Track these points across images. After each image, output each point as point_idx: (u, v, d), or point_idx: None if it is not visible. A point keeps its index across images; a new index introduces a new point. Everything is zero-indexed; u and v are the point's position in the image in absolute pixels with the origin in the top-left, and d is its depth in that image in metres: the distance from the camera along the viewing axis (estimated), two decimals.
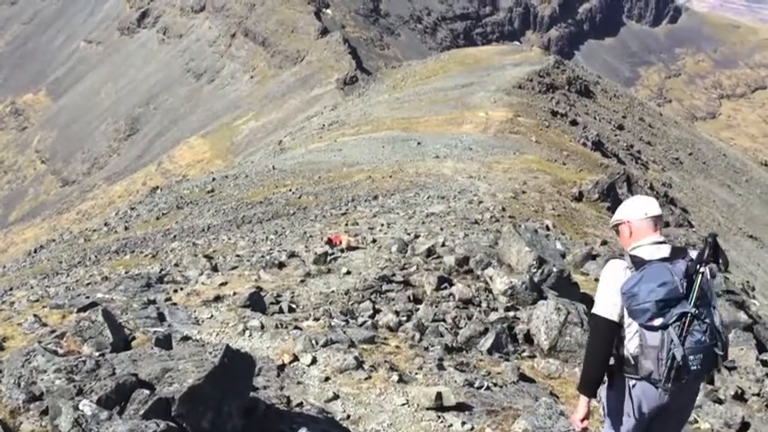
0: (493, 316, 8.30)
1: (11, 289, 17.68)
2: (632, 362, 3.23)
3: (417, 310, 8.26)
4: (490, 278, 9.24)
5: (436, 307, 8.37)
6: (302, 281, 9.54)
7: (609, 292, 3.28)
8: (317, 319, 7.55)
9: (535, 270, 9.44)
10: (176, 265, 14.30)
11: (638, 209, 3.45)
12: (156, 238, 22.12)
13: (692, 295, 3.11)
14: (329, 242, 12.00)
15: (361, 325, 7.55)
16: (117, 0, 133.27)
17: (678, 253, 3.30)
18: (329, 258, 10.87)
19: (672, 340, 3.05)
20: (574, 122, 48.34)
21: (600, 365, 3.31)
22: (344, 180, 27.71)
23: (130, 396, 3.77)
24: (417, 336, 7.24)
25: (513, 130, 40.04)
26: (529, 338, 7.83)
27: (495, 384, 6.29)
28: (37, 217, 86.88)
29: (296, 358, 6.18)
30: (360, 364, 6.10)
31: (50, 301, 8.06)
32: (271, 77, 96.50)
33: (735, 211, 50.32)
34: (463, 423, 5.30)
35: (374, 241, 12.51)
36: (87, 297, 7.96)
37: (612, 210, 25.57)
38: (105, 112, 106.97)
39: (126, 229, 25.92)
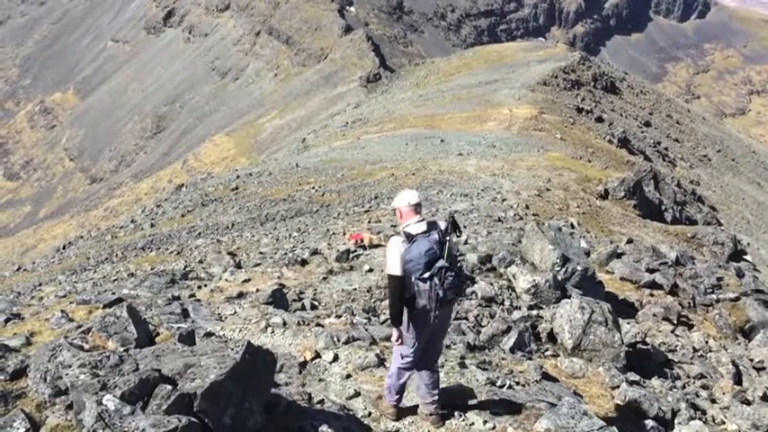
0: (516, 314, 8.24)
1: (40, 284, 17.99)
2: (413, 300, 4.85)
3: None
4: (513, 276, 9.18)
5: (458, 305, 8.33)
6: (324, 278, 9.56)
7: (394, 258, 4.85)
8: (338, 317, 7.56)
9: (559, 268, 9.36)
10: (200, 261, 14.43)
11: (403, 200, 5.02)
12: (181, 235, 22.34)
13: (444, 255, 4.81)
14: (360, 244, 11.83)
15: (383, 322, 7.55)
16: (143, 0, 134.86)
17: (432, 226, 4.93)
18: (351, 256, 10.88)
19: (436, 284, 4.76)
20: (599, 119, 47.80)
21: (399, 304, 4.92)
22: (367, 178, 27.73)
23: (153, 391, 3.80)
24: None
25: (537, 127, 39.71)
26: (552, 337, 7.75)
27: (518, 383, 6.23)
28: (65, 214, 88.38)
29: (318, 355, 6.20)
30: (381, 362, 6.09)
31: (77, 297, 8.18)
32: (294, 75, 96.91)
33: (765, 209, 49.35)
34: (485, 422, 5.27)
35: None
36: (113, 293, 8.07)
37: (639, 207, 25.36)
38: (132, 111, 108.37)
39: (152, 225, 26.21)
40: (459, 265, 5.04)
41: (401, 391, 5.24)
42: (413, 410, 5.37)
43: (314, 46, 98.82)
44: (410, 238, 4.85)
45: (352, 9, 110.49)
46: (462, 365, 6.32)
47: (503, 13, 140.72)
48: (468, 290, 8.90)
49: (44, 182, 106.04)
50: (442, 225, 4.97)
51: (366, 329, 6.85)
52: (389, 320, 5.16)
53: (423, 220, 4.99)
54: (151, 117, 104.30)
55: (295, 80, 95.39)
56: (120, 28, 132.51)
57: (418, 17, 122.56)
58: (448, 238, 4.87)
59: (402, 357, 5.11)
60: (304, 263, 10.68)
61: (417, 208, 5.02)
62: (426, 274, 4.77)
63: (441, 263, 4.77)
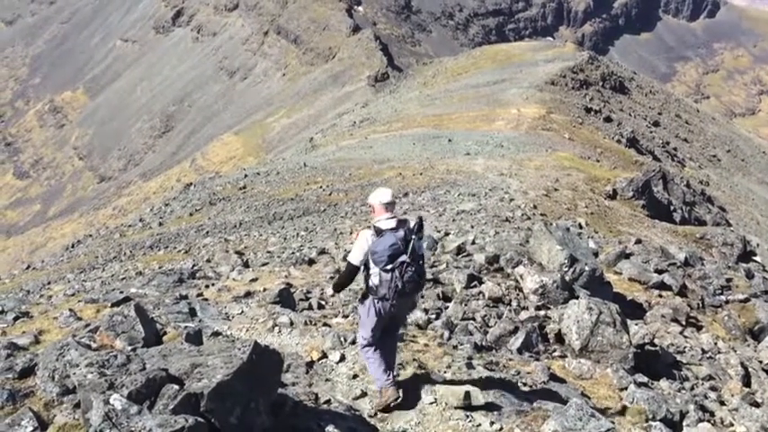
0: (523, 315, 8.21)
1: (49, 283, 18.08)
2: (375, 289, 5.27)
3: (447, 308, 8.21)
4: (521, 276, 9.14)
5: (466, 305, 8.31)
6: (332, 278, 9.56)
7: (359, 250, 5.30)
8: (345, 316, 7.56)
9: (566, 269, 9.32)
10: (208, 260, 14.47)
11: (377, 197, 5.43)
12: (189, 234, 22.41)
13: (408, 251, 5.19)
14: None
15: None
16: None
17: (401, 223, 5.32)
18: None
19: (396, 277, 5.17)
20: (608, 119, 47.64)
21: (344, 285, 5.60)
22: (375, 177, 27.73)
23: (160, 391, 3.81)
24: (446, 334, 7.19)
25: (545, 126, 39.60)
26: (560, 338, 7.72)
27: (525, 384, 6.21)
28: (74, 212, 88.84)
29: (324, 355, 6.19)
30: None
31: (85, 296, 8.21)
32: (302, 75, 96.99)
33: None
34: (492, 423, 5.25)
35: None
36: (121, 292, 8.09)
37: (647, 208, 25.25)
38: (141, 110, 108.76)
39: (160, 224, 26.31)
40: (420, 263, 5.34)
41: (387, 367, 5.40)
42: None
43: (322, 45, 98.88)
44: (379, 232, 5.26)
45: (360, 9, 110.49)
46: (469, 366, 6.30)
47: (511, 13, 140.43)
48: (476, 290, 8.89)
49: (53, 180, 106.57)
50: (412, 224, 5.39)
51: None
52: (332, 288, 5.82)
53: (393, 217, 5.39)
54: (160, 116, 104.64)
55: (303, 79, 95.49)
56: (129, 27, 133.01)
57: (426, 16, 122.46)
58: (413, 237, 5.25)
59: (363, 339, 5.48)
60: (311, 262, 10.69)
61: (389, 206, 5.41)
62: (389, 267, 5.17)
63: (403, 258, 5.18)
